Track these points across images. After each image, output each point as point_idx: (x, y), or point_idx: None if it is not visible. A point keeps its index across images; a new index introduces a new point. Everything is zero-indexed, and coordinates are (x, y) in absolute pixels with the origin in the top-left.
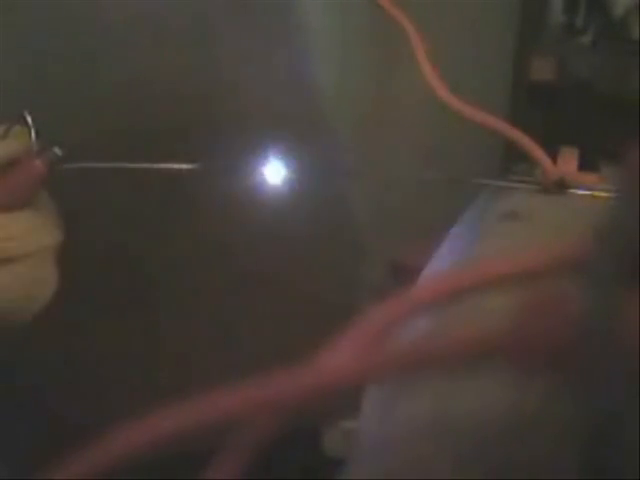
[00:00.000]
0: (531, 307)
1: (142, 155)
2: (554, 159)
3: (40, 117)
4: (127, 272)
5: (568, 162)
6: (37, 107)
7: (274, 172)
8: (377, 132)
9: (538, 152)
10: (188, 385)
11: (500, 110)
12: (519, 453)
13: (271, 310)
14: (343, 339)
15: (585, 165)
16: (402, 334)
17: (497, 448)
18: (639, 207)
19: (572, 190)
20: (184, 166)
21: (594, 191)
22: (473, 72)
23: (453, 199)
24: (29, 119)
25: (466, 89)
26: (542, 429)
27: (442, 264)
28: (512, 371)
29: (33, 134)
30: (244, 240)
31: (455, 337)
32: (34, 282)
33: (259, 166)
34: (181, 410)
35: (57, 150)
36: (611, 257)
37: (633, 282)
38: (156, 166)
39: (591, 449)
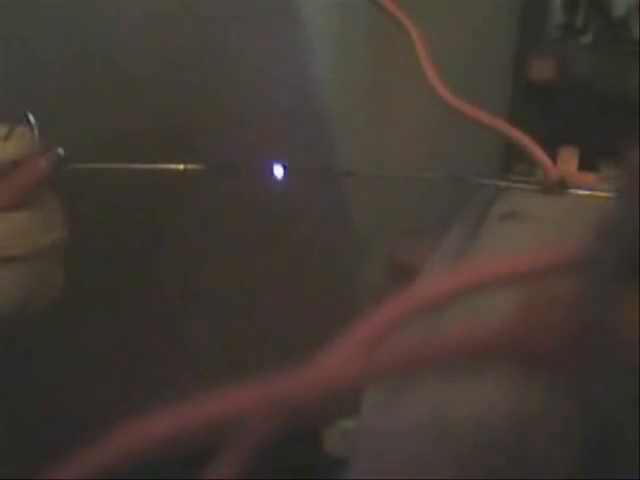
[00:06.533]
0: (531, 307)
1: (142, 155)
2: (554, 159)
3: (42, 118)
4: (127, 272)
5: (568, 162)
6: (39, 108)
7: (274, 172)
8: (377, 131)
9: (538, 152)
10: (188, 385)
11: (500, 110)
12: (519, 452)
13: (270, 310)
14: (343, 339)
15: (585, 165)
16: (402, 334)
17: (497, 447)
18: (639, 207)
19: (572, 190)
20: (184, 166)
21: (594, 191)
22: (473, 72)
23: (453, 199)
24: (32, 119)
25: (466, 89)
26: (542, 428)
27: (442, 264)
28: (512, 371)
29: (36, 134)
30: (244, 240)
31: (455, 337)
32: (38, 281)
33: (259, 166)
34: (181, 410)
35: (60, 150)
36: (611, 257)
37: (633, 282)
38: (156, 166)
39: (591, 449)
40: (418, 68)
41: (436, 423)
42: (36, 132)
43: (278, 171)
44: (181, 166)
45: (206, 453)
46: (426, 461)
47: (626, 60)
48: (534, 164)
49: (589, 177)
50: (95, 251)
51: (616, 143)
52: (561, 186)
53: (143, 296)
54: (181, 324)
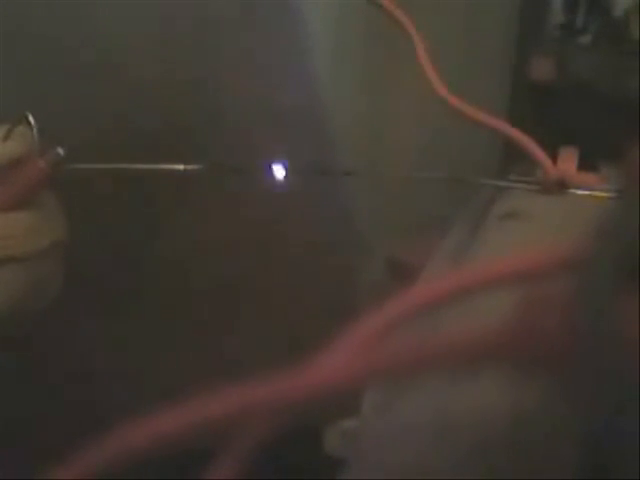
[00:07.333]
0: (530, 307)
1: (142, 155)
2: (554, 159)
3: (42, 118)
4: (127, 272)
5: (568, 162)
6: (39, 108)
7: (274, 172)
8: (376, 131)
9: (538, 152)
10: (188, 385)
11: (500, 110)
12: (519, 452)
13: (271, 310)
14: (343, 339)
15: (585, 165)
16: (401, 334)
17: (497, 447)
18: (639, 207)
19: (572, 190)
20: (184, 166)
21: (594, 191)
22: (473, 72)
23: (453, 199)
24: (32, 119)
25: (466, 89)
26: (541, 428)
27: (442, 264)
28: (511, 371)
29: (35, 134)
30: (244, 240)
31: (454, 337)
32: (37, 281)
33: (259, 166)
34: (181, 410)
35: (60, 150)
36: (611, 257)
37: (633, 282)
38: (156, 166)
39: (590, 449)
40: (417, 68)
41: (436, 423)
42: (35, 132)
43: (278, 171)
44: (181, 166)
45: (206, 453)
46: (426, 461)
47: (626, 60)
48: (534, 164)
49: (589, 177)
50: (95, 251)
51: (616, 143)
52: (561, 186)
53: (143, 296)
54: (181, 324)
